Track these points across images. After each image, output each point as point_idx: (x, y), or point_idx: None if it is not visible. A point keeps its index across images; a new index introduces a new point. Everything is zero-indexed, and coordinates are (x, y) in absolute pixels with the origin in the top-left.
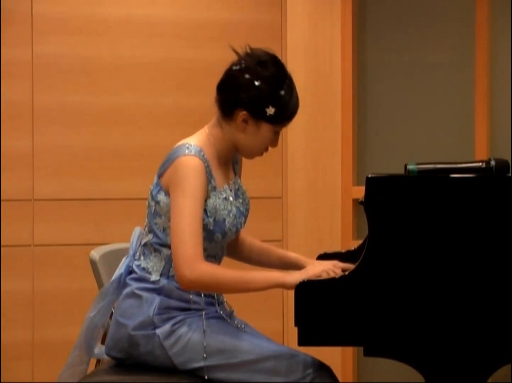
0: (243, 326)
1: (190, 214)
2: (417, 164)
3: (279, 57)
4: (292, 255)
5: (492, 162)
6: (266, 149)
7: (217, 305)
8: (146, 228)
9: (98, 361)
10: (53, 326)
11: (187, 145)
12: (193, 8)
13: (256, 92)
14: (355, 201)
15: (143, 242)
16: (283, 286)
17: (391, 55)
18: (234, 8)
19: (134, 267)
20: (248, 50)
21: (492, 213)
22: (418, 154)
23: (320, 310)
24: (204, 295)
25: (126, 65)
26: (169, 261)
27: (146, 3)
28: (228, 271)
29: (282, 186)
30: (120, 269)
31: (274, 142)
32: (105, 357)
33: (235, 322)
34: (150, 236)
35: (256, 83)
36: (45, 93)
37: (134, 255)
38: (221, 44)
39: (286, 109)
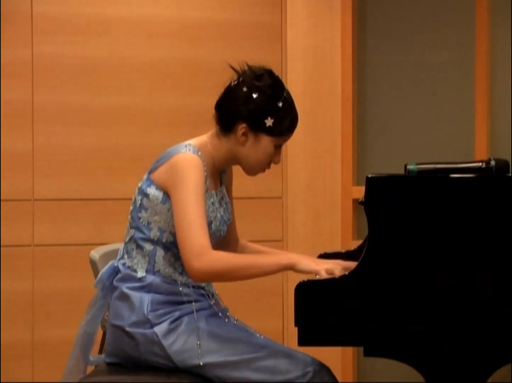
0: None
1: (195, 208)
2: (417, 164)
3: (279, 57)
4: None
5: (492, 162)
6: (268, 165)
7: (208, 297)
8: (129, 225)
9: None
10: (53, 326)
11: (185, 144)
12: (193, 8)
13: (254, 104)
14: (355, 201)
15: (126, 240)
16: (293, 268)
17: (391, 55)
18: (234, 8)
19: (120, 266)
20: (245, 67)
21: (492, 213)
22: (418, 154)
23: (320, 310)
24: (193, 287)
25: (126, 65)
26: (152, 257)
27: (146, 3)
28: (237, 256)
29: (282, 186)
30: (103, 269)
31: (275, 157)
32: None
33: (231, 321)
34: (132, 231)
35: (254, 95)
36: (45, 93)
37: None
38: (221, 44)
39: (285, 120)
